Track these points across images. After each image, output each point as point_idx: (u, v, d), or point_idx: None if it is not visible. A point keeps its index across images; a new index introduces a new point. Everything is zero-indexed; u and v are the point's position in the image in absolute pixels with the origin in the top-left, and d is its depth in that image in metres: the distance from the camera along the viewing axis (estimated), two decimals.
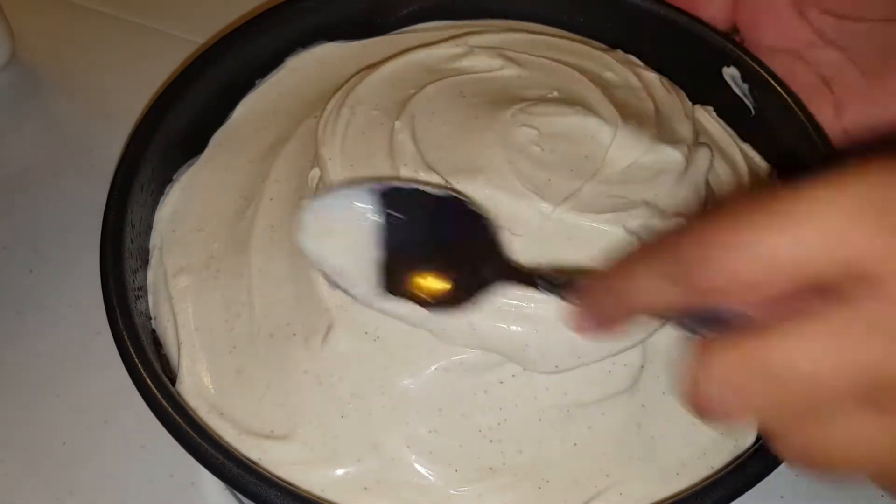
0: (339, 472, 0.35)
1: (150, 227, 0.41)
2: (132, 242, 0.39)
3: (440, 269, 0.34)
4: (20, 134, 0.57)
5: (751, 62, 0.44)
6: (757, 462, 0.33)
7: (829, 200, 0.21)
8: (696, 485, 0.35)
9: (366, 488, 0.34)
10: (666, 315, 0.26)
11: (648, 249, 0.26)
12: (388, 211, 0.33)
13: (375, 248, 0.33)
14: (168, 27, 0.62)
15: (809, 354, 0.21)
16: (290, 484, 0.34)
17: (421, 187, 0.34)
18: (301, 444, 0.35)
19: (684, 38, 0.46)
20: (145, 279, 0.40)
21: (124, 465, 0.45)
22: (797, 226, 0.21)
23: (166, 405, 0.34)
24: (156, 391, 0.34)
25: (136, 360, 0.35)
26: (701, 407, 0.23)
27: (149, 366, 0.35)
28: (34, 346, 0.49)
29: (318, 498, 0.34)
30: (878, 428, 0.21)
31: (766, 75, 0.44)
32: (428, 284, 0.33)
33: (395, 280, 0.34)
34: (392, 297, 0.33)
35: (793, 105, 0.43)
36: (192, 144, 0.44)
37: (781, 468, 0.33)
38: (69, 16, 0.63)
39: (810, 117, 0.42)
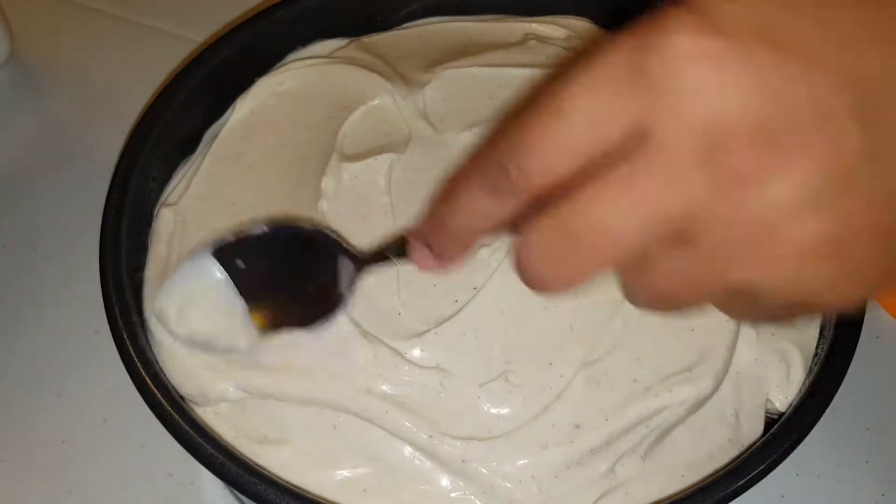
0: (338, 472, 0.35)
1: (149, 225, 0.41)
2: (131, 241, 0.39)
3: (302, 291, 0.34)
4: (19, 132, 0.57)
5: None
6: (757, 462, 0.33)
7: (594, 76, 0.22)
8: (697, 484, 0.35)
9: (365, 490, 0.34)
10: (498, 229, 0.26)
11: (462, 173, 0.26)
12: (235, 261, 0.33)
13: (237, 298, 0.33)
14: (168, 26, 0.62)
15: (609, 213, 0.22)
16: (290, 484, 0.34)
17: (250, 232, 0.33)
18: (297, 449, 0.35)
19: None
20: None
21: (124, 465, 0.45)
22: (574, 110, 0.22)
23: (166, 405, 0.34)
24: (156, 391, 0.34)
25: (136, 359, 0.34)
26: (529, 280, 0.24)
27: (149, 366, 0.35)
28: (34, 345, 0.49)
29: (319, 498, 0.34)
30: (689, 261, 0.23)
31: None
32: (295, 308, 0.34)
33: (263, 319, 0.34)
34: (267, 334, 0.34)
35: None
36: (191, 143, 0.43)
37: (782, 468, 0.33)
38: (68, 14, 0.63)
39: None
